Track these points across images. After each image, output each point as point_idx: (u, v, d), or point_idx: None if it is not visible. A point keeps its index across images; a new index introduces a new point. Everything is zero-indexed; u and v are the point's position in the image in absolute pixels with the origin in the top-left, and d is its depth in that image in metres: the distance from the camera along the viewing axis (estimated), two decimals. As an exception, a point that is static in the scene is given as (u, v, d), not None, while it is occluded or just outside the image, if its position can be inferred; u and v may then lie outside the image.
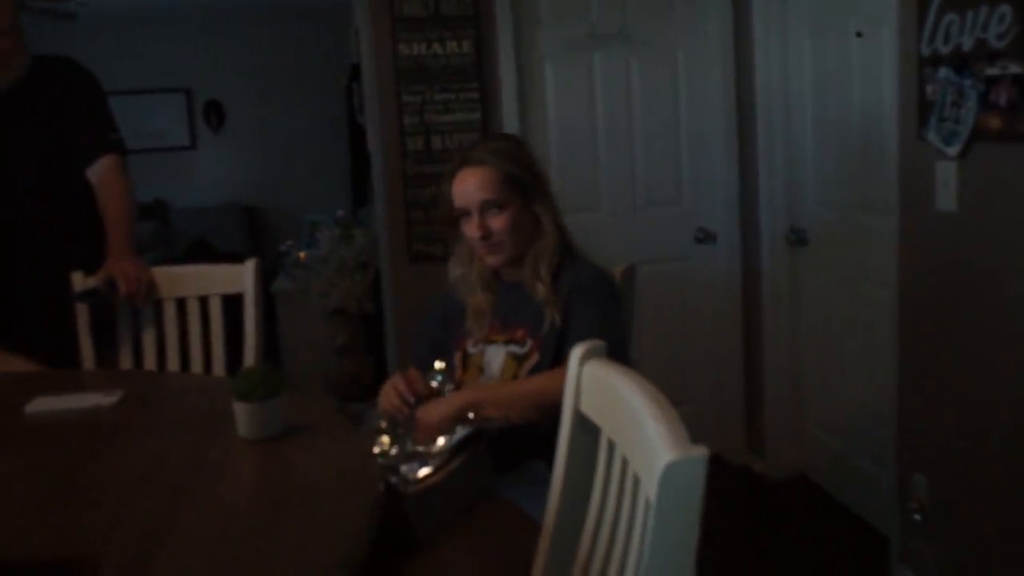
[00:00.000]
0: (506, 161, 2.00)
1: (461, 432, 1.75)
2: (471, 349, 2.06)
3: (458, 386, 1.99)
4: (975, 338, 2.37)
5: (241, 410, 1.67)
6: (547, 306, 1.95)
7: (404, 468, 1.67)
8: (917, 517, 2.63)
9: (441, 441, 1.74)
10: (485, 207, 1.97)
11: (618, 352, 1.89)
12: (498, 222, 1.97)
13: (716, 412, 3.79)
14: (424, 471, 1.64)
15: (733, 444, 3.78)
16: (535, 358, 1.95)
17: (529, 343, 1.97)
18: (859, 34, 2.96)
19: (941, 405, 2.53)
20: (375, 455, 1.72)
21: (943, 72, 2.31)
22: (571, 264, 2.00)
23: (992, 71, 2.15)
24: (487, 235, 1.98)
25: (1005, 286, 2.25)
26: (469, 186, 1.99)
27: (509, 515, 1.69)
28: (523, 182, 2.00)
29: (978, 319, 2.36)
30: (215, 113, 7.52)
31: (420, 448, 1.74)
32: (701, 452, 0.98)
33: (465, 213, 2.00)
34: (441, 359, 2.04)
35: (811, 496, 3.48)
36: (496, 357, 2.01)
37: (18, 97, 2.48)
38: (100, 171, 2.56)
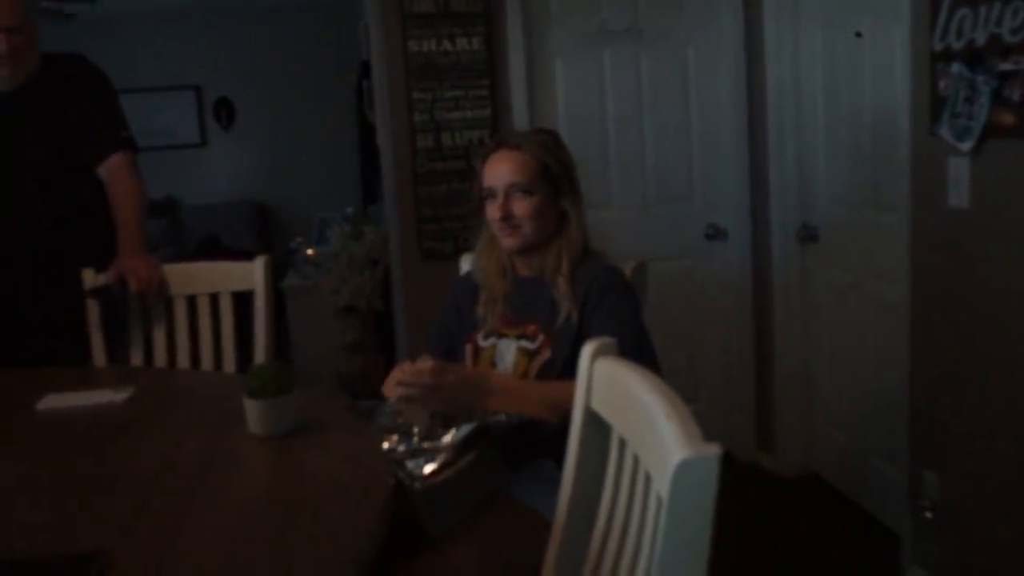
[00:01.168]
0: (542, 151, 2.00)
1: (467, 428, 1.75)
2: (483, 342, 2.06)
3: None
4: (987, 335, 2.36)
5: (252, 407, 1.67)
6: (564, 301, 1.95)
7: (411, 464, 1.67)
8: (928, 515, 2.62)
9: (448, 437, 1.74)
10: (512, 190, 1.97)
11: (647, 354, 1.89)
12: (522, 207, 1.97)
13: (726, 409, 3.78)
14: (430, 467, 1.64)
15: (743, 441, 3.77)
16: (547, 354, 1.94)
17: (540, 338, 1.97)
18: (859, 34, 2.95)
19: (953, 402, 2.51)
20: (383, 451, 1.72)
21: (956, 67, 2.30)
22: (588, 263, 2.00)
23: (1006, 66, 2.13)
24: (508, 216, 1.98)
25: (1017, 283, 2.23)
26: (501, 167, 1.99)
27: (519, 513, 1.68)
28: (555, 175, 2.00)
29: (990, 316, 2.34)
30: (225, 110, 7.52)
31: (426, 444, 1.74)
32: (714, 450, 0.97)
33: (491, 194, 2.00)
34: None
35: (822, 493, 3.47)
36: (508, 351, 2.01)
37: (29, 95, 2.48)
38: (111, 169, 2.57)
